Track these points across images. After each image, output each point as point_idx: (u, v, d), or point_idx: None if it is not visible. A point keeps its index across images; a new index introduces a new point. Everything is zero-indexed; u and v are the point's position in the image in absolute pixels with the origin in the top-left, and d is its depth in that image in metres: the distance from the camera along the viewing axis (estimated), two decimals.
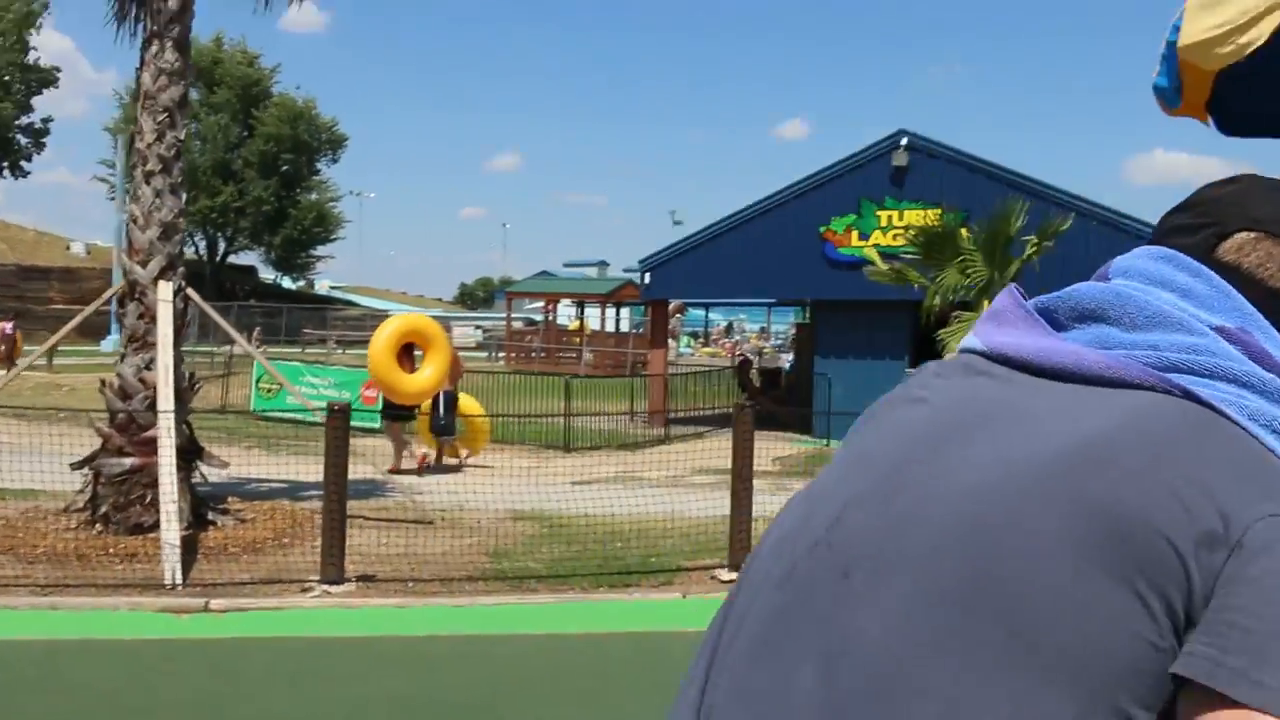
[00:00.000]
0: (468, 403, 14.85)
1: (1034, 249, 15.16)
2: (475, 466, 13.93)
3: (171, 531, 7.96)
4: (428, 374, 12.54)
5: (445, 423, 13.83)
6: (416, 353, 12.92)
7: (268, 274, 61.03)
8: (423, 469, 13.38)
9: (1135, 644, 0.92)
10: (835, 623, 1.04)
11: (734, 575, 7.81)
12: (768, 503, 8.61)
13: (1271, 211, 1.18)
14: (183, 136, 9.90)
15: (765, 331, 51.67)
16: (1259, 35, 9.07)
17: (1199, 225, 1.20)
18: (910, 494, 1.08)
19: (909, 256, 16.02)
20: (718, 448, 13.24)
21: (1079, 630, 0.93)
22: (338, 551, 7.60)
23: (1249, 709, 0.88)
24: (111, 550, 8.36)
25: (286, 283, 61.88)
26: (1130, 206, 18.68)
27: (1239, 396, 1.05)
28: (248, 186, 52.88)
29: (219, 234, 54.35)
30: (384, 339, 12.37)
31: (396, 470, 13.07)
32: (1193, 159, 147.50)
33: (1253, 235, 1.17)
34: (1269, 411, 1.05)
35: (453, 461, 14.20)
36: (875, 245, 18.13)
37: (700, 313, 46.04)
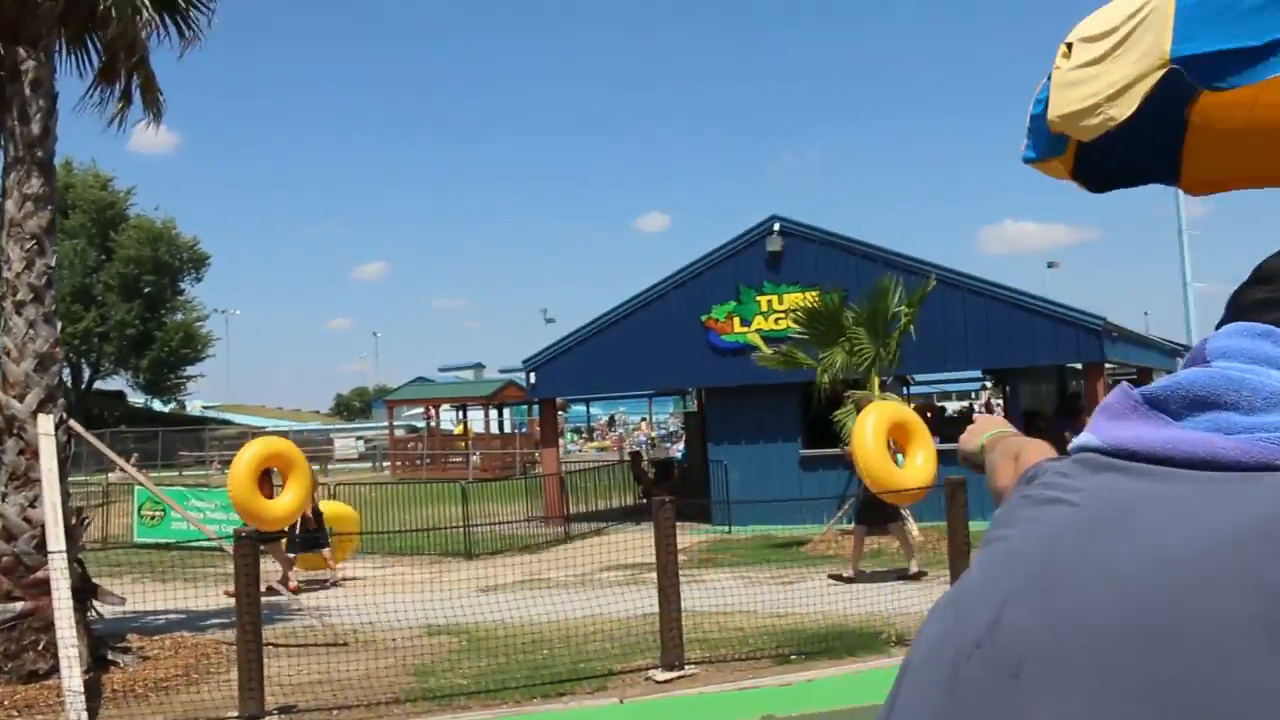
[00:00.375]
0: (339, 510, 14.69)
1: (908, 318, 15.60)
2: (353, 578, 13.63)
3: (74, 678, 7.54)
4: (288, 499, 12.15)
5: (315, 537, 13.75)
6: (275, 481, 12.63)
7: (137, 398, 59.33)
8: (298, 590, 13.08)
9: None
10: (1009, 718, 0.98)
11: (670, 675, 7.69)
12: (684, 596, 8.52)
13: None
14: (53, 263, 9.59)
15: (648, 422, 51.81)
16: (1128, 106, 9.43)
17: None
18: (1069, 590, 1.04)
19: (796, 338, 16.29)
20: (622, 542, 13.14)
21: (1275, 713, 0.90)
22: (256, 684, 7.27)
23: None
24: (7, 702, 7.88)
25: (157, 405, 60.19)
26: (987, 276, 19.55)
27: None
28: (110, 310, 51.65)
29: (83, 360, 52.77)
30: (242, 467, 11.82)
31: (296, 590, 12.69)
32: (1039, 226, 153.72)
33: None
34: None
35: (324, 575, 13.89)
36: (758, 330, 18.42)
37: (581, 408, 45.98)
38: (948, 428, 22.74)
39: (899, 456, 12.07)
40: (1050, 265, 54.20)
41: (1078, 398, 21.36)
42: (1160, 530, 1.04)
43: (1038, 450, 1.75)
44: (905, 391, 24.37)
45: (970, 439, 2.20)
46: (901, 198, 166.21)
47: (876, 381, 15.23)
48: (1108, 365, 17.58)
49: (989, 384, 46.74)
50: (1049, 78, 11.17)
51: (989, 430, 2.15)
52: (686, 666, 7.82)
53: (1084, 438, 1.25)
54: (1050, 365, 19.93)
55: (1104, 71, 9.81)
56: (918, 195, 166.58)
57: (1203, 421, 1.12)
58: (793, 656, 8.20)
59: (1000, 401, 33.11)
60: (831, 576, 12.01)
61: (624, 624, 9.29)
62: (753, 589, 11.17)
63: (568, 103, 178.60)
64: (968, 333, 17.47)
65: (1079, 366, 18.75)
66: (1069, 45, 10.58)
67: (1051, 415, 20.32)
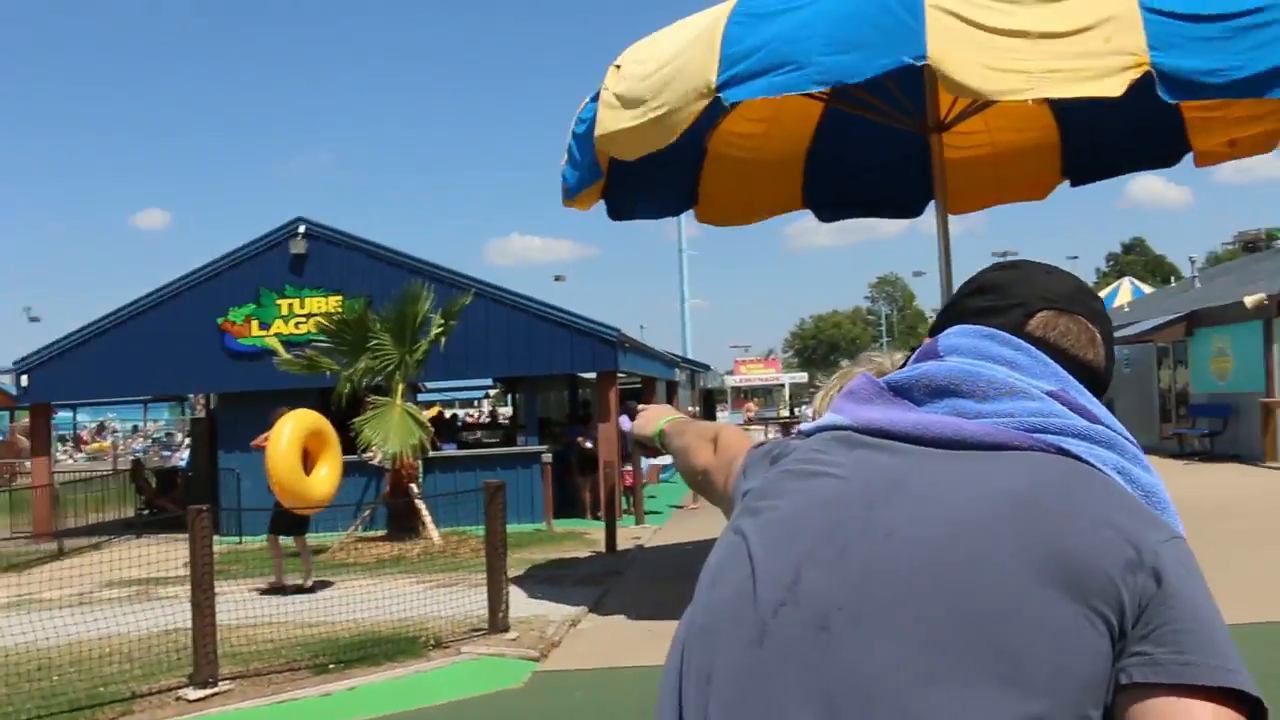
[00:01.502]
0: None
1: (441, 328, 15.75)
2: None
3: None
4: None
5: None
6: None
7: None
8: None
9: (1096, 658, 1.10)
10: (827, 667, 1.14)
11: (204, 693, 7.26)
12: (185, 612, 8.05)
13: (1058, 290, 1.43)
14: None
15: (142, 430, 48.49)
16: (674, 131, 10.06)
17: (1007, 306, 1.43)
18: (862, 552, 1.20)
19: (322, 344, 15.92)
20: (123, 557, 12.26)
21: (1055, 649, 1.09)
22: None
23: (1209, 690, 1.07)
24: None
25: None
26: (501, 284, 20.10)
27: (1089, 448, 1.28)
28: None
29: None
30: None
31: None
32: (545, 241, 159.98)
33: (1051, 312, 1.41)
34: (1110, 457, 1.28)
35: None
36: (277, 334, 17.83)
37: (68, 414, 42.17)
38: (462, 434, 23.15)
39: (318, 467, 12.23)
40: (557, 279, 56.52)
41: (588, 405, 22.49)
42: (937, 498, 1.23)
43: (734, 433, 1.91)
44: (415, 399, 24.53)
45: (646, 424, 2.31)
46: (414, 206, 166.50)
47: (400, 388, 15.22)
48: (619, 375, 18.63)
49: (491, 393, 48.05)
50: (595, 97, 11.67)
51: (664, 417, 2.27)
52: (220, 683, 7.43)
53: (831, 418, 1.44)
54: (563, 374, 20.80)
55: (653, 95, 10.42)
56: (430, 205, 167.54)
57: (942, 407, 1.35)
58: (331, 666, 8.02)
59: (509, 409, 34.20)
60: (258, 590, 11.74)
61: (142, 642, 8.66)
62: (276, 599, 10.80)
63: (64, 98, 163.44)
64: (489, 341, 17.89)
65: (590, 375, 19.70)
66: (619, 66, 11.09)
67: (564, 422, 21.21)
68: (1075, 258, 73.22)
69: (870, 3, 8.30)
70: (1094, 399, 1.35)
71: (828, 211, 14.40)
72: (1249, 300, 20.38)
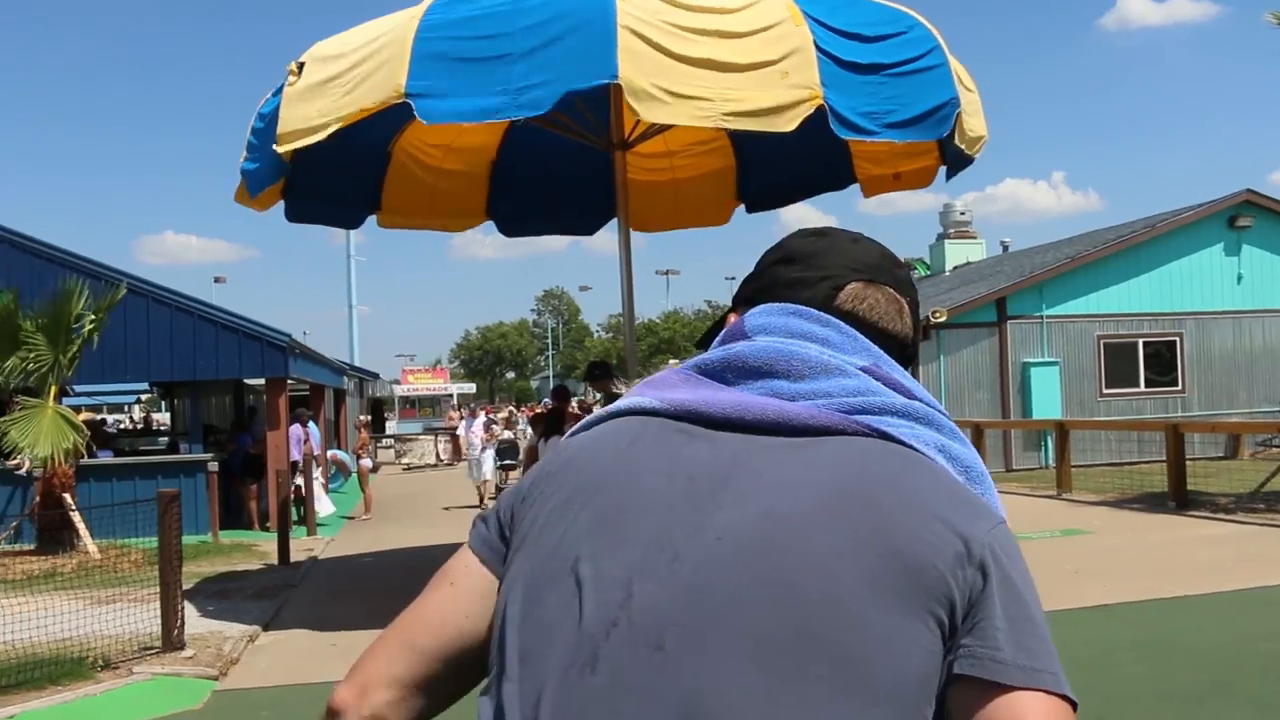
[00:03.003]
0: None
1: (94, 324, 14.77)
2: None
3: None
4: None
5: None
6: None
7: None
8: None
9: (929, 658, 1.10)
10: (665, 692, 1.08)
11: None
12: None
13: (866, 260, 1.40)
14: None
15: None
16: (352, 121, 9.68)
17: (815, 279, 1.39)
18: (692, 559, 1.14)
19: None
20: None
21: (893, 654, 1.08)
22: None
23: (1033, 690, 1.09)
24: None
25: None
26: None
27: (910, 427, 1.26)
28: None
29: None
30: None
31: None
32: (202, 241, 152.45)
33: (859, 284, 1.38)
34: (931, 436, 1.26)
35: None
36: None
37: None
38: (115, 441, 21.73)
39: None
40: (217, 280, 54.05)
41: (255, 412, 21.65)
42: (765, 495, 1.17)
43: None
44: (63, 402, 22.84)
45: None
46: (54, 199, 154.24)
47: (54, 391, 14.18)
48: (289, 381, 18.07)
49: (144, 397, 45.35)
50: (278, 93, 11.24)
51: None
52: None
53: (633, 401, 1.34)
54: (228, 379, 19.96)
55: (335, 92, 10.15)
56: (73, 198, 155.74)
57: (757, 388, 1.29)
58: None
59: (165, 415, 32.42)
60: None
61: None
62: None
63: None
64: (151, 344, 16.93)
65: (259, 382, 19.00)
66: (300, 64, 10.76)
67: (229, 429, 20.35)
68: (733, 278, 76.79)
69: (563, 21, 8.45)
70: (905, 373, 1.34)
71: (511, 225, 14.51)
72: None
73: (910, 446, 1.23)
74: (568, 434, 1.41)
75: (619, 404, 1.35)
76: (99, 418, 27.96)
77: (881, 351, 1.33)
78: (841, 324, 1.34)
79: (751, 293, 1.44)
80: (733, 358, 1.32)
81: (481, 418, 24.57)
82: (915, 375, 1.37)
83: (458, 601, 1.30)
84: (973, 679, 1.10)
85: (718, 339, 1.40)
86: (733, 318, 1.43)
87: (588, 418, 1.41)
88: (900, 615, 1.09)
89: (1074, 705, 1.10)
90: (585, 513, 1.22)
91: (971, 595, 1.12)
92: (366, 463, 20.51)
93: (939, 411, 1.30)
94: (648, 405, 1.31)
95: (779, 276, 1.42)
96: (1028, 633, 1.12)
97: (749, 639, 1.09)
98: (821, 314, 1.35)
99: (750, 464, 1.21)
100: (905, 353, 1.40)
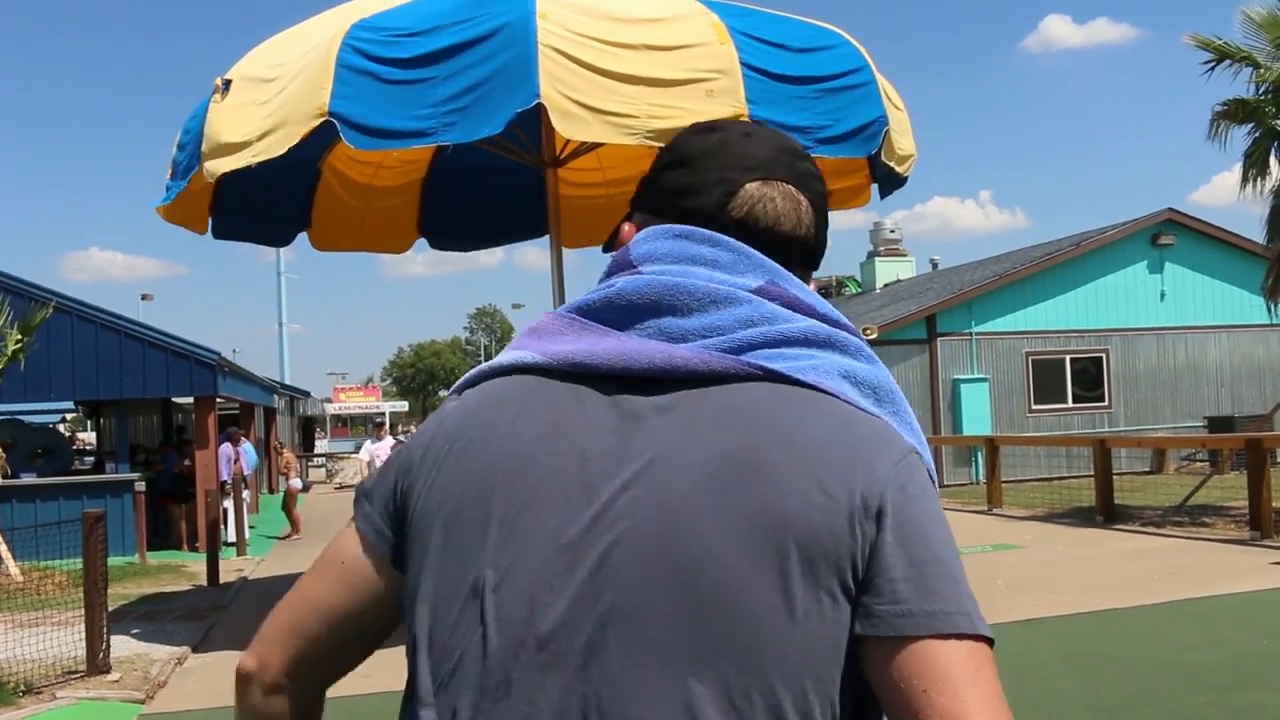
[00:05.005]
0: None
1: (19, 344, 14.47)
2: None
3: None
4: None
5: None
6: None
7: None
8: None
9: (837, 629, 1.05)
10: (575, 706, 1.05)
11: None
12: None
13: (758, 156, 1.26)
14: None
15: None
16: (280, 147, 9.69)
17: (705, 185, 1.26)
18: (591, 560, 1.08)
19: None
20: None
21: (795, 638, 1.04)
22: None
23: (943, 637, 1.03)
24: None
25: None
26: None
27: (809, 356, 1.16)
28: None
29: None
30: None
31: None
32: (129, 258, 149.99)
33: (754, 184, 1.25)
34: (832, 361, 1.17)
35: None
36: None
37: None
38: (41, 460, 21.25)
39: None
40: (144, 297, 53.14)
41: (184, 430, 21.32)
42: (655, 474, 1.10)
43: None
44: None
45: None
46: None
47: None
48: (218, 399, 17.82)
49: (69, 416, 44.44)
50: (203, 107, 11.01)
51: None
52: None
53: (518, 356, 1.23)
54: (156, 398, 19.64)
55: (261, 110, 9.99)
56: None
57: (647, 329, 1.18)
58: None
59: (92, 434, 31.82)
60: None
61: None
62: None
63: None
64: (76, 361, 16.62)
65: (188, 400, 18.72)
66: (227, 81, 10.58)
67: (157, 448, 20.02)
68: None
69: (485, 46, 8.38)
70: (805, 286, 1.24)
71: (443, 240, 14.41)
72: None
73: (806, 384, 1.15)
74: (451, 390, 1.32)
75: (501, 359, 1.26)
76: None
77: (777, 266, 1.22)
78: (731, 241, 1.22)
79: (644, 200, 1.33)
80: (614, 296, 1.21)
81: (388, 440, 23.10)
82: None
83: (344, 585, 1.26)
84: (878, 639, 1.04)
85: (603, 272, 1.29)
86: (627, 228, 1.33)
87: (469, 374, 1.31)
88: (803, 592, 1.04)
89: (990, 643, 1.05)
90: (480, 514, 1.14)
91: (866, 551, 1.06)
92: (296, 483, 20.25)
93: (842, 327, 1.22)
94: (529, 361, 1.22)
95: (669, 183, 1.29)
96: (934, 574, 1.06)
97: (653, 646, 1.05)
98: (710, 233, 1.23)
99: (641, 431, 1.13)
100: (810, 257, 1.29)
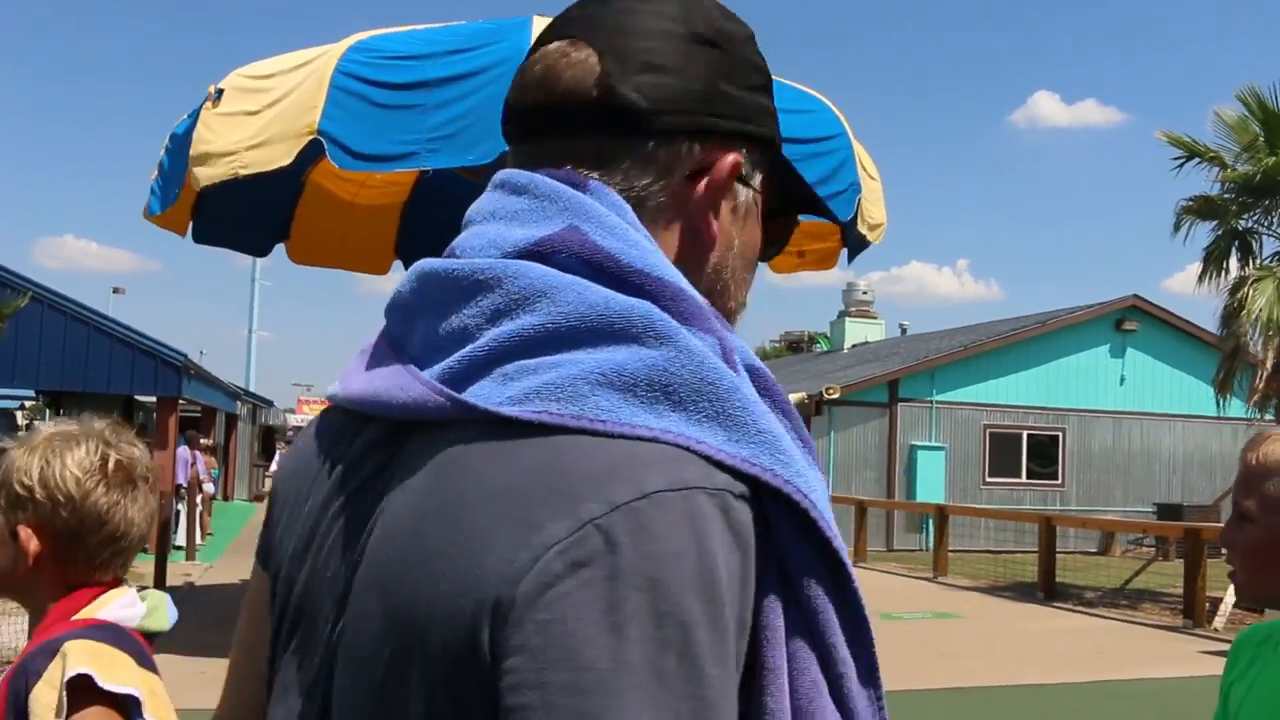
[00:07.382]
0: None
1: None
2: None
3: None
4: None
5: None
6: None
7: None
8: None
9: None
10: None
11: None
12: None
13: (557, 27, 1.03)
14: None
15: None
16: (267, 162, 9.83)
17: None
18: (315, 665, 0.94)
19: None
20: None
21: None
22: None
23: None
24: None
25: None
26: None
27: (551, 367, 0.84)
28: None
29: None
30: None
31: None
32: (104, 249, 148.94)
33: (546, 54, 1.01)
34: (579, 365, 0.83)
35: None
36: None
37: None
38: None
39: None
40: (116, 290, 52.84)
41: (145, 430, 21.27)
42: (372, 548, 0.88)
43: None
44: None
45: None
46: None
47: None
48: (181, 401, 17.83)
49: (28, 404, 44.05)
50: (194, 114, 11.12)
51: None
52: None
53: (331, 390, 1.02)
54: (119, 394, 19.62)
55: (252, 123, 10.11)
56: None
57: (415, 342, 0.94)
58: None
59: (52, 423, 31.46)
60: None
61: None
62: None
63: None
64: (42, 350, 16.58)
65: (150, 399, 18.72)
66: (220, 90, 10.70)
67: None
68: None
69: (476, 78, 8.54)
70: (615, 226, 0.90)
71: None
72: (790, 398, 22.54)
73: (516, 420, 0.82)
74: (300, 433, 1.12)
75: (330, 389, 1.02)
76: None
77: (587, 204, 0.91)
78: (541, 182, 0.93)
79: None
80: (391, 302, 0.97)
81: None
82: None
83: (250, 616, 1.12)
84: None
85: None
86: None
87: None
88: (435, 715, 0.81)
89: None
90: (281, 590, 1.01)
91: (495, 668, 0.77)
92: (209, 488, 20.22)
93: (650, 282, 0.88)
94: (335, 395, 1.00)
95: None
96: (565, 707, 0.73)
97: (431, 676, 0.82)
98: (523, 178, 0.94)
99: (373, 490, 0.92)
100: (617, 116, 0.94)
